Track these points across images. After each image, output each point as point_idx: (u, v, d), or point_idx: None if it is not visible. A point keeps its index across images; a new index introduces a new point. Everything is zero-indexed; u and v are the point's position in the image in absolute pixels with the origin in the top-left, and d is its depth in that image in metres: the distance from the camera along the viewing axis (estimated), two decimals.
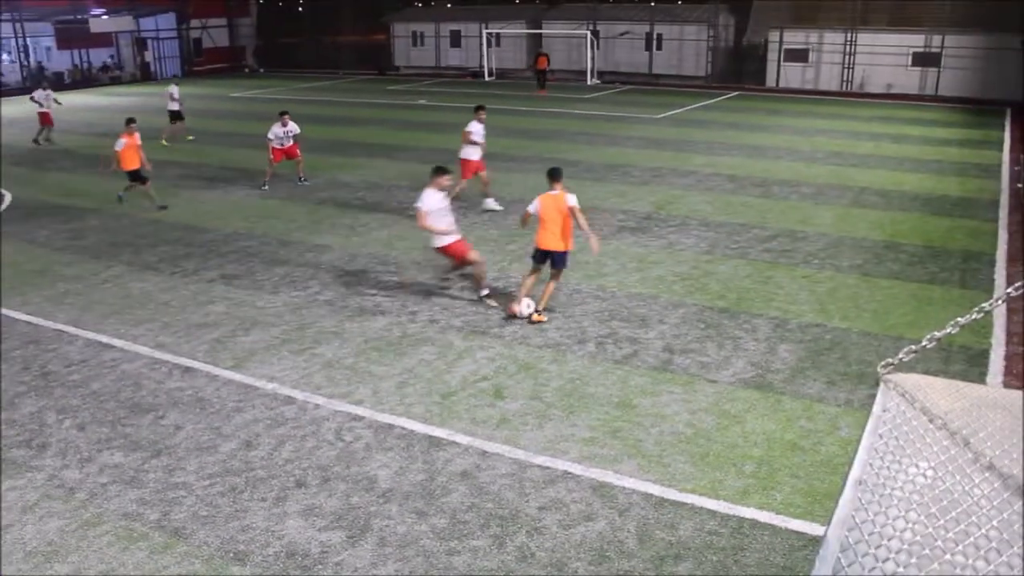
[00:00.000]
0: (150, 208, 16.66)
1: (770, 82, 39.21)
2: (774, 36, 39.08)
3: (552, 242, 10.66)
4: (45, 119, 25.44)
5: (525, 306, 10.75)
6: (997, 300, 2.67)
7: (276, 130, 18.43)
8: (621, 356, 9.66)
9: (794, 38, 38.55)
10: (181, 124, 25.46)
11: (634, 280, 12.27)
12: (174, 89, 25.46)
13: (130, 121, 16.81)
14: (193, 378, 9.25)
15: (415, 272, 12.43)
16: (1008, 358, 9.59)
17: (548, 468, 7.33)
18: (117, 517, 6.72)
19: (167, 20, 47.89)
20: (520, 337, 10.23)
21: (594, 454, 7.55)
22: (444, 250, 11.23)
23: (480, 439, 7.83)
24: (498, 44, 45.15)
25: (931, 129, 26.68)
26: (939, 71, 35.54)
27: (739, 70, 42.21)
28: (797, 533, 6.41)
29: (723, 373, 9.20)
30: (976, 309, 2.72)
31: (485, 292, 11.45)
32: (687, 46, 41.79)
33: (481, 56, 44.42)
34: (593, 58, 41.31)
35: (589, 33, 41.40)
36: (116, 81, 45.16)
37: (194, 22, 49.45)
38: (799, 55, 38.49)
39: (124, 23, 44.77)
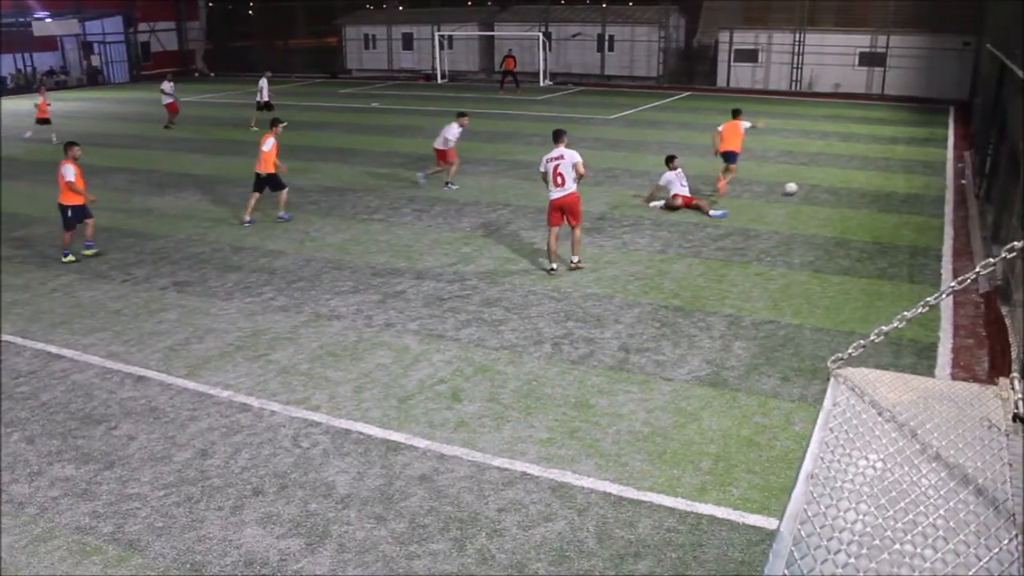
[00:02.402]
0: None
1: (721, 82, 39.63)
2: (724, 37, 39.51)
3: (733, 145, 17.31)
4: (172, 107, 28.76)
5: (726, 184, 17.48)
6: (941, 294, 2.73)
7: (456, 130, 18.15)
8: (577, 356, 9.70)
9: (744, 39, 39.02)
10: (265, 114, 27.05)
11: (589, 280, 12.32)
12: (263, 82, 28.33)
13: (276, 121, 15.98)
14: (146, 387, 9.12)
15: None
16: (955, 350, 9.78)
17: (506, 470, 7.34)
18: (69, 531, 6.60)
19: (114, 24, 47.10)
20: (476, 339, 10.23)
21: (552, 455, 7.57)
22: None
23: (438, 442, 7.81)
24: (450, 47, 45.11)
25: (878, 127, 27.14)
26: (885, 70, 36.19)
27: (690, 70, 42.65)
28: (754, 528, 6.48)
29: (679, 371, 9.28)
30: (922, 303, 2.77)
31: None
32: (638, 47, 42.09)
33: (433, 59, 44.34)
34: (545, 59, 41.44)
35: (541, 35, 41.51)
36: (62, 86, 44.35)
37: (142, 26, 48.72)
38: (749, 55, 38.96)
39: (69, 27, 43.94)
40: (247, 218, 15.74)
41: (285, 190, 15.89)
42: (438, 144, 18.43)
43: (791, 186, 17.83)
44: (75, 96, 39.93)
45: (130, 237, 14.98)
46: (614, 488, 7.03)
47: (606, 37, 42.52)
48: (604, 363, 9.51)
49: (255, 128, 27.03)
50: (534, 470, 7.32)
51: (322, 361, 9.68)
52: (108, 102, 37.47)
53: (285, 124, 15.89)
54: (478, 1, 53.57)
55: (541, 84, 40.72)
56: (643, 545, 6.26)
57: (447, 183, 18.59)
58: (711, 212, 16.06)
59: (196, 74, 50.05)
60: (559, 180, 12.32)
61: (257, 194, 15.73)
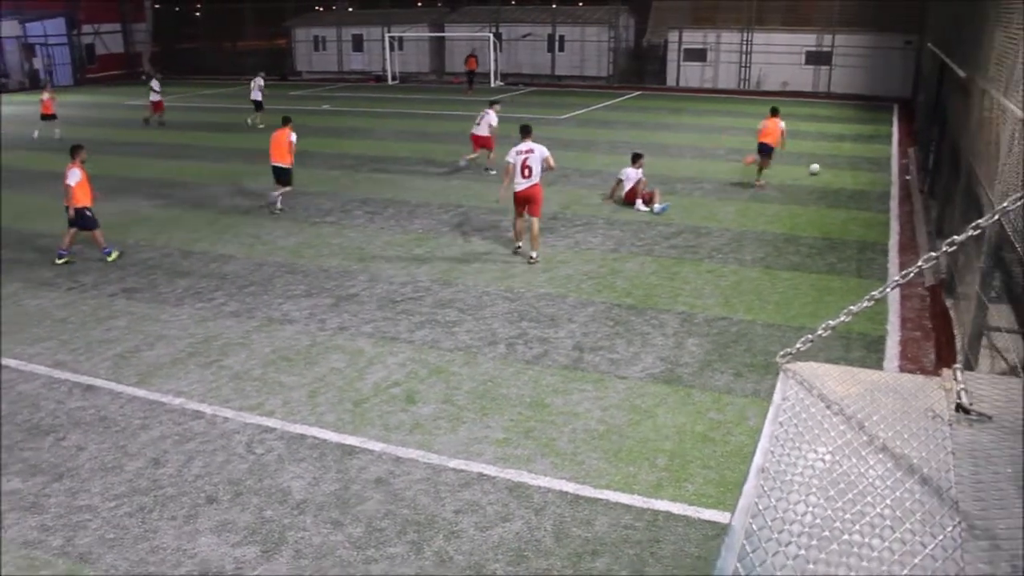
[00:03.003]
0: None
1: (671, 81, 39.98)
2: (673, 36, 39.87)
3: (768, 139, 18.40)
4: (159, 106, 29.64)
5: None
6: (885, 288, 2.78)
7: (495, 117, 19.95)
8: (532, 356, 9.72)
9: (693, 38, 39.40)
10: (260, 113, 29.10)
11: (542, 280, 12.36)
12: (260, 81, 29.81)
13: (287, 120, 16.93)
14: (95, 396, 8.96)
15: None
16: (903, 343, 9.97)
17: (463, 471, 7.33)
18: (17, 546, 6.46)
19: (56, 25, 46.14)
20: (430, 341, 10.20)
21: (508, 455, 7.58)
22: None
23: (394, 445, 7.78)
24: (401, 48, 44.96)
25: (825, 125, 27.57)
26: (831, 69, 36.78)
27: (640, 70, 42.98)
28: (710, 523, 6.54)
29: (633, 369, 9.34)
30: (867, 297, 2.82)
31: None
32: (589, 47, 42.30)
33: (384, 60, 44.16)
34: (496, 60, 41.47)
35: (492, 35, 41.54)
36: (3, 89, 43.39)
37: (86, 27, 47.80)
38: (698, 55, 39.35)
39: (9, 28, 42.99)
40: (278, 204, 16.76)
41: (283, 188, 16.79)
42: (481, 131, 19.95)
43: (815, 167, 19.83)
44: (17, 100, 39.09)
45: (76, 244, 14.69)
46: (571, 487, 7.05)
47: (556, 37, 42.69)
48: (558, 362, 9.54)
49: (261, 126, 27.83)
50: (490, 471, 7.33)
51: (275, 366, 9.59)
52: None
53: (291, 121, 17.27)
54: (428, 2, 53.48)
55: (492, 85, 40.75)
56: (600, 543, 6.30)
57: (487, 168, 20.15)
58: (655, 206, 16.27)
59: (144, 77, 49.23)
60: (527, 172, 13.05)
61: (281, 187, 16.80)
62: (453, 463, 7.46)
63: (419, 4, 53.30)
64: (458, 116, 30.56)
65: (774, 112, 18.85)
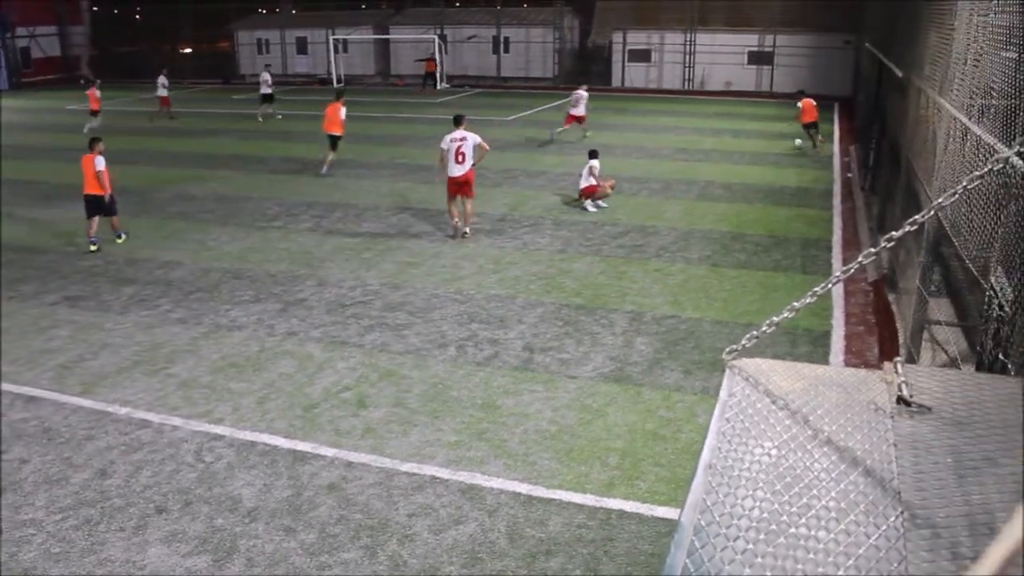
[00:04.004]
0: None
1: (615, 82, 40.26)
2: (617, 37, 40.15)
3: (809, 117, 22.02)
4: (165, 102, 31.49)
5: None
6: (827, 284, 2.84)
7: (582, 94, 24.33)
8: (482, 358, 9.73)
9: (637, 39, 39.72)
10: (269, 106, 30.85)
11: (492, 282, 12.37)
12: (267, 76, 31.19)
13: (342, 94, 20.83)
14: (38, 408, 8.77)
15: None
16: (847, 337, 10.16)
17: (415, 475, 7.32)
18: None
19: None
20: (380, 345, 10.16)
21: (461, 457, 7.58)
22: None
23: (345, 450, 7.74)
24: (345, 50, 44.69)
25: (768, 124, 27.96)
26: (773, 69, 37.33)
27: (585, 71, 43.19)
28: (663, 520, 6.60)
29: (583, 369, 9.39)
30: (809, 293, 2.88)
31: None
32: (534, 48, 42.45)
33: (328, 63, 43.84)
34: (442, 62, 41.40)
35: (437, 38, 41.47)
36: None
37: (20, 30, 46.72)
38: (642, 55, 39.69)
39: None
40: (325, 168, 20.25)
41: (333, 154, 20.35)
42: (579, 111, 24.34)
43: (798, 141, 22.99)
44: None
45: (14, 252, 14.38)
46: (523, 488, 7.07)
47: (501, 39, 42.74)
48: (509, 363, 9.56)
49: (279, 116, 30.68)
50: (443, 473, 7.32)
51: (224, 373, 9.48)
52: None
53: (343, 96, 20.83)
54: (372, 4, 53.23)
55: (438, 87, 40.68)
56: (554, 543, 6.32)
57: (584, 135, 24.77)
58: (601, 201, 16.77)
59: (82, 81, 48.26)
60: (460, 158, 14.19)
61: (333, 152, 20.37)
62: (405, 467, 7.44)
63: (363, 6, 52.99)
64: (404, 119, 30.48)
65: (803, 93, 22.67)
